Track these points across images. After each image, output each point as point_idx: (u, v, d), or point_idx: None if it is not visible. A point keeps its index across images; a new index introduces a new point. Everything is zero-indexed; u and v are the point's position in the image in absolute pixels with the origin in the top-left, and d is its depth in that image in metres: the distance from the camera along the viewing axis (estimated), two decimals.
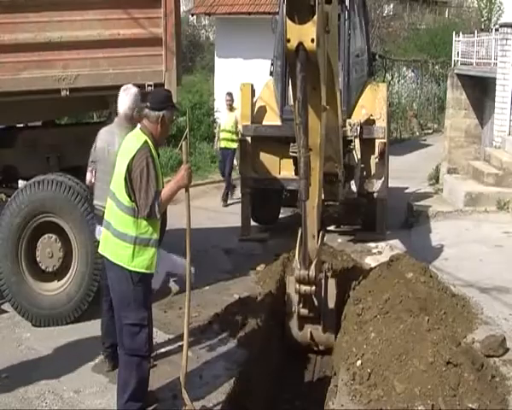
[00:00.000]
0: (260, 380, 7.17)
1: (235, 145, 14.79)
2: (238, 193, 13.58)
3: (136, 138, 5.33)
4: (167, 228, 8.34)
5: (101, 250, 5.56)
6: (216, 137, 16.05)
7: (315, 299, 7.63)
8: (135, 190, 5.21)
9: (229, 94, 15.03)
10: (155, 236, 5.36)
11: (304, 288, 7.35)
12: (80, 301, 7.58)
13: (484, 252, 9.80)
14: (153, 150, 5.29)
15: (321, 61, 6.14)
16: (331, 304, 7.92)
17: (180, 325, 7.11)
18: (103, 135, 6.51)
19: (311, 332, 7.98)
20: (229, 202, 15.28)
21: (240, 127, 12.88)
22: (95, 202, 6.57)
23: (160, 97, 5.52)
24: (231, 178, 15.42)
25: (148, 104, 5.41)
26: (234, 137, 14.79)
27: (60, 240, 7.61)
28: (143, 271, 5.32)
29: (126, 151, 5.31)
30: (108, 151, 6.29)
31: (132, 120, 6.14)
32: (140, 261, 5.30)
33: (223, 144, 15.13)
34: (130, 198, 5.24)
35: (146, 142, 5.26)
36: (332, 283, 7.94)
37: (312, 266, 7.29)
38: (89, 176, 6.81)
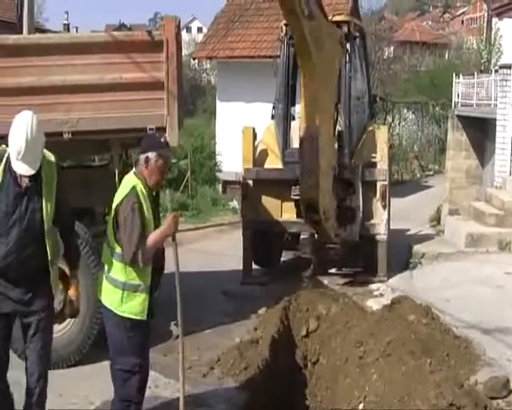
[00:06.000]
0: None
1: None
2: None
3: (125, 183, 5.36)
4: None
5: (98, 295, 5.61)
6: None
7: None
8: (120, 236, 5.23)
9: None
10: (146, 282, 5.33)
11: None
12: (81, 344, 7.55)
13: (486, 293, 9.75)
14: (141, 196, 5.24)
15: None
16: None
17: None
18: None
19: None
20: None
21: None
22: None
23: (146, 140, 5.56)
24: None
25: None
26: None
27: (61, 283, 7.58)
28: (133, 317, 5.31)
29: (116, 196, 5.34)
30: None
31: None
32: (129, 307, 5.30)
33: None
34: (119, 244, 5.27)
35: (133, 188, 5.24)
36: None
37: None
38: None
